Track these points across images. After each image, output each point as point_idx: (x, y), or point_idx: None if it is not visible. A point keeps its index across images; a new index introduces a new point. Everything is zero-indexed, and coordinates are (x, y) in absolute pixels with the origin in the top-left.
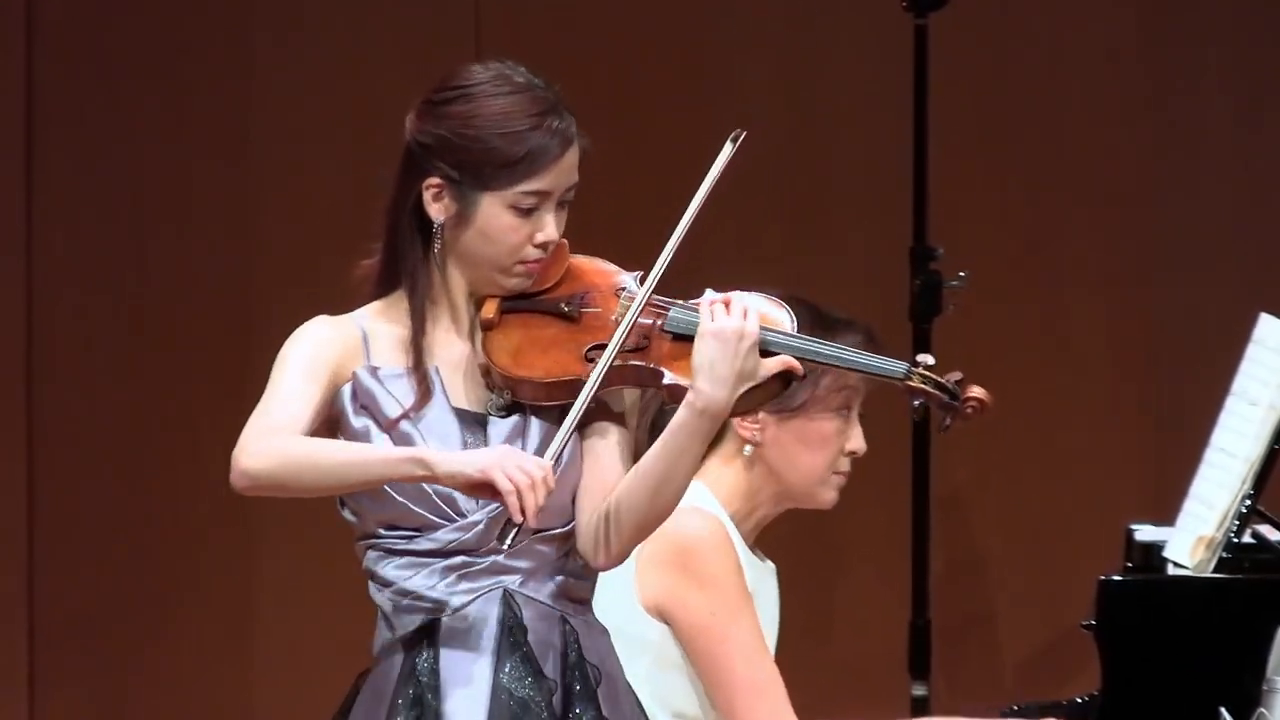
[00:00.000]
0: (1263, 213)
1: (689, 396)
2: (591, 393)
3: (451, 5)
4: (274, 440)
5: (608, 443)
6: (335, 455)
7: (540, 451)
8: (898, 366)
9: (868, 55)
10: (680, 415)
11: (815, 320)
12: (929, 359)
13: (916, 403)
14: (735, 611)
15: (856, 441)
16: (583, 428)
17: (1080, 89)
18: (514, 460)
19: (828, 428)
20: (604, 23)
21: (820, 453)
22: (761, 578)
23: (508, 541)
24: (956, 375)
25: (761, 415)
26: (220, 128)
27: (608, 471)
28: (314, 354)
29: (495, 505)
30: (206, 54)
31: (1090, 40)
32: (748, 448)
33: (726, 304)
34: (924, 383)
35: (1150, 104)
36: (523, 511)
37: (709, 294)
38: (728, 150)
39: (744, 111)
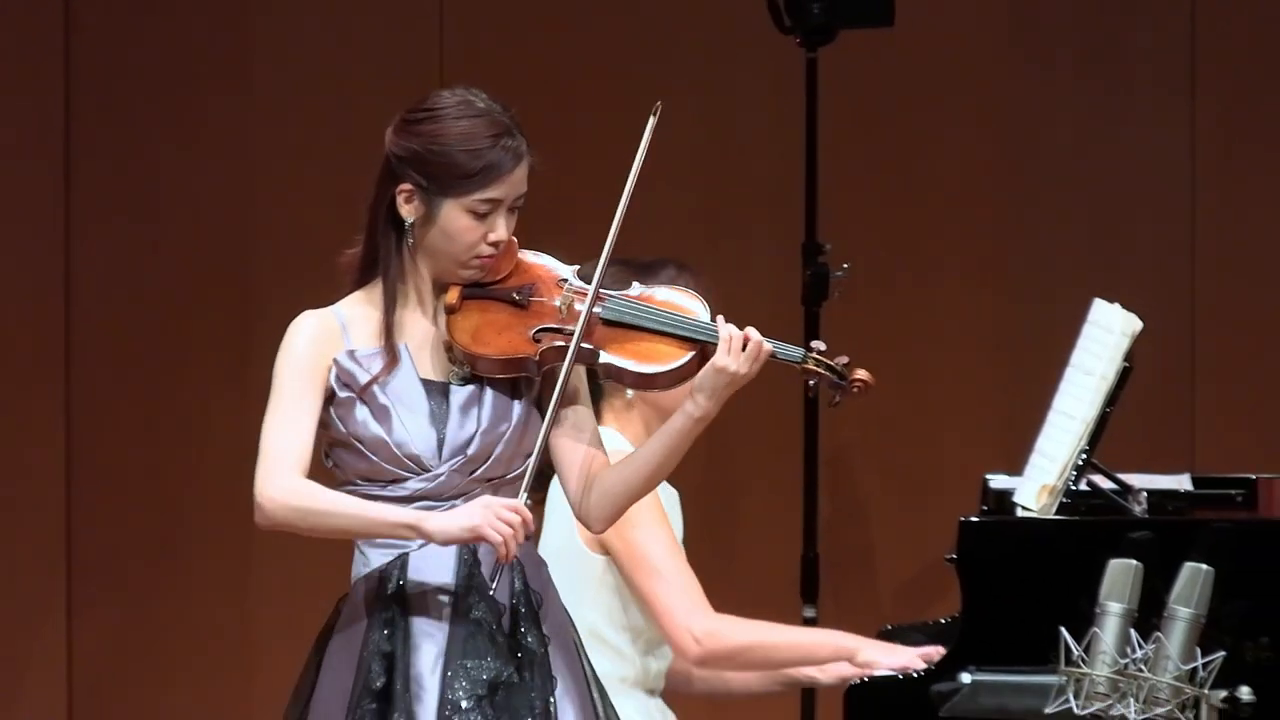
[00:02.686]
0: (1097, 213)
1: (688, 407)
2: (563, 383)
3: (417, 37)
4: (295, 490)
5: (580, 426)
6: (344, 512)
7: (494, 414)
8: (796, 352)
9: (768, 83)
10: (677, 420)
11: (633, 268)
12: (821, 345)
13: (811, 382)
14: (653, 527)
15: None
16: (561, 418)
17: (945, 112)
18: (495, 513)
19: None
20: (549, 56)
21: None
22: (672, 500)
23: (497, 582)
24: (844, 359)
25: None
26: (226, 141)
27: (586, 451)
28: (305, 358)
29: (457, 458)
30: (214, 81)
31: (954, 69)
32: (629, 392)
33: (745, 341)
34: (818, 365)
35: (1005, 123)
36: (507, 555)
37: (723, 326)
38: (651, 123)
39: (664, 129)
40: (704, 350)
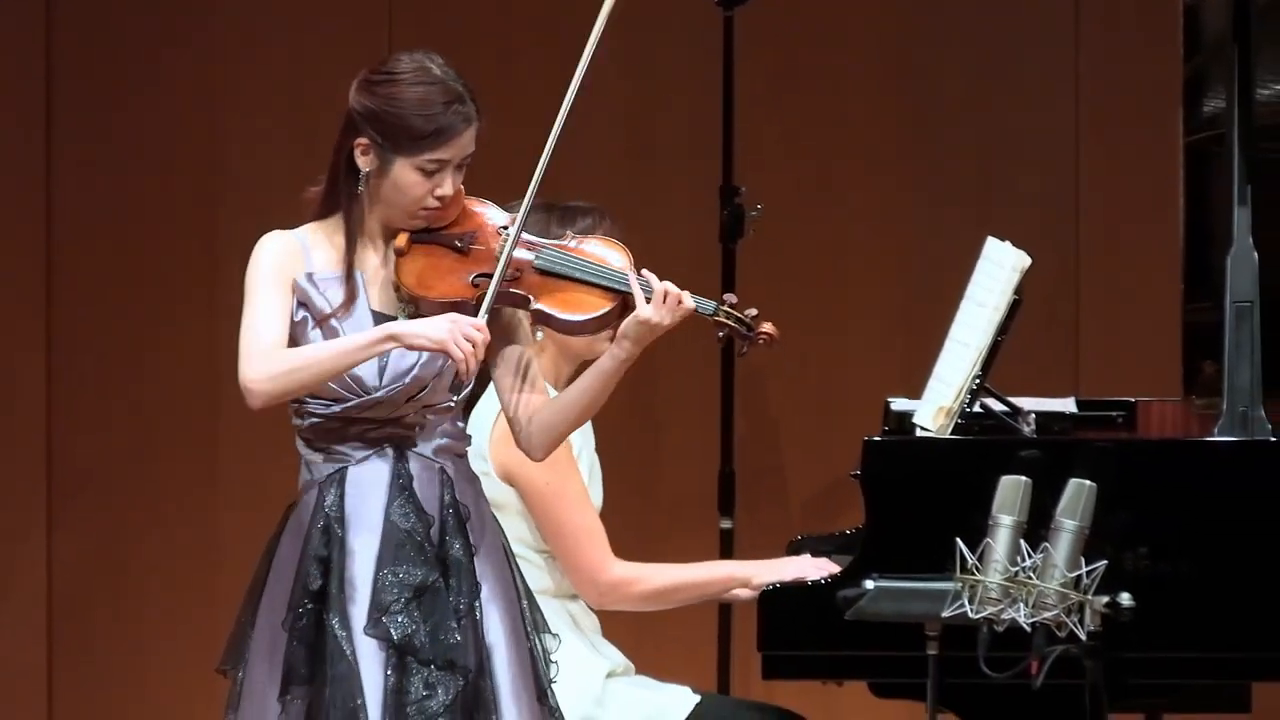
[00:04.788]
0: (990, 157)
1: (615, 350)
2: (493, 292)
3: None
4: (271, 361)
5: (524, 365)
6: (323, 356)
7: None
8: (708, 305)
9: (688, 40)
10: (605, 362)
11: (555, 212)
12: (733, 298)
13: (721, 334)
14: (564, 476)
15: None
16: (509, 361)
17: (850, 65)
18: (460, 330)
19: None
20: (489, 25)
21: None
22: (583, 431)
23: (457, 391)
24: (753, 311)
25: None
26: (193, 88)
27: (531, 387)
28: (274, 268)
29: (397, 384)
30: (181, 34)
31: (858, 26)
32: (538, 334)
33: (664, 296)
34: (728, 318)
35: (905, 75)
36: (468, 371)
37: (644, 277)
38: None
39: (594, 81)
40: (625, 301)
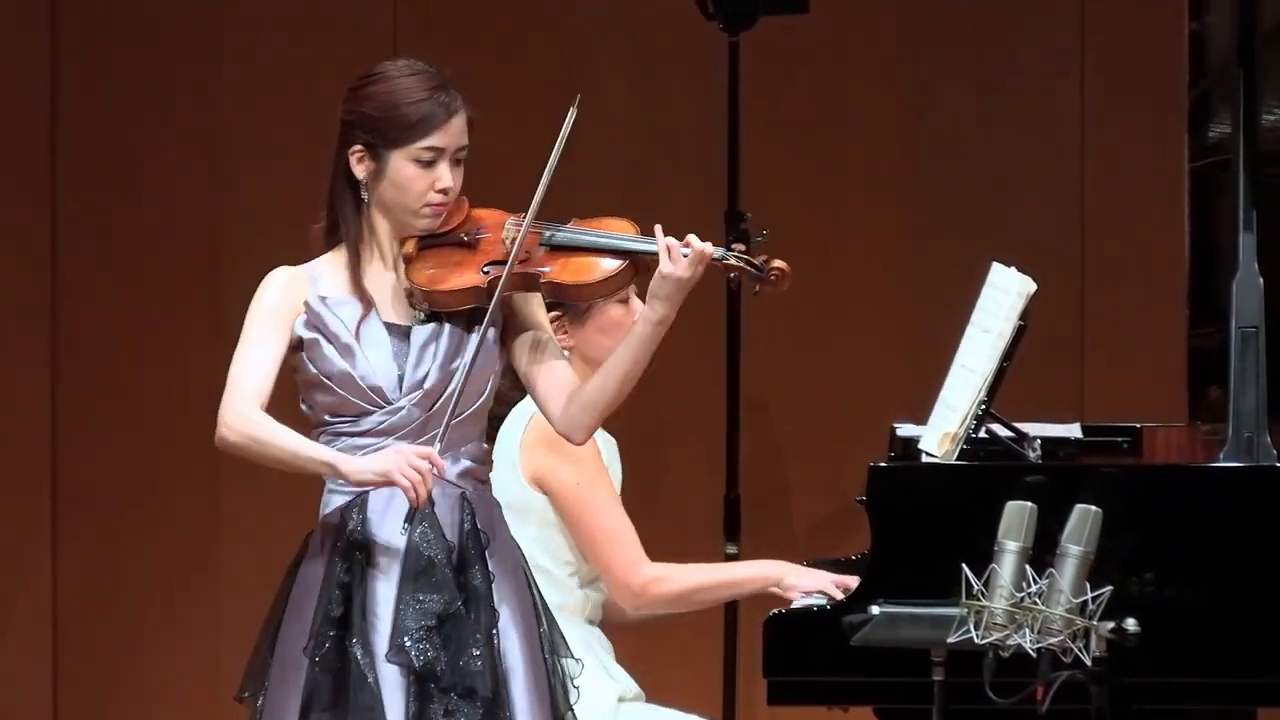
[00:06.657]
0: (994, 181)
1: (646, 313)
2: (497, 296)
3: (373, 14)
4: (247, 421)
5: (550, 353)
6: (282, 446)
7: (450, 348)
8: (717, 251)
9: (694, 64)
10: (640, 326)
11: None
12: (741, 245)
13: (732, 275)
14: (594, 479)
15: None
16: (527, 346)
17: (855, 89)
18: (406, 460)
19: (616, 312)
20: (494, 30)
21: (617, 334)
22: (611, 449)
23: (409, 524)
24: (763, 256)
25: (564, 325)
26: (196, 107)
27: (559, 372)
28: (273, 306)
29: (416, 393)
30: (185, 52)
31: (862, 50)
32: (566, 353)
33: (687, 244)
34: (738, 260)
35: (909, 99)
36: (418, 499)
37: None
38: (571, 114)
39: (600, 105)
40: (635, 261)
